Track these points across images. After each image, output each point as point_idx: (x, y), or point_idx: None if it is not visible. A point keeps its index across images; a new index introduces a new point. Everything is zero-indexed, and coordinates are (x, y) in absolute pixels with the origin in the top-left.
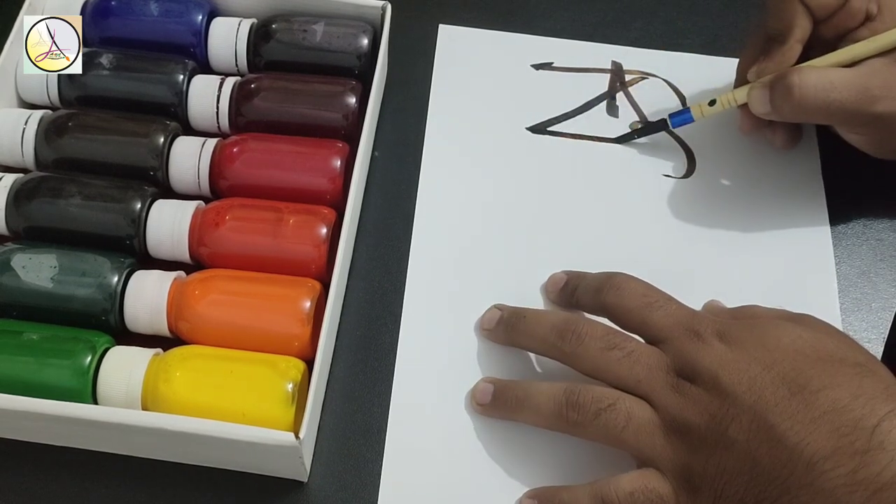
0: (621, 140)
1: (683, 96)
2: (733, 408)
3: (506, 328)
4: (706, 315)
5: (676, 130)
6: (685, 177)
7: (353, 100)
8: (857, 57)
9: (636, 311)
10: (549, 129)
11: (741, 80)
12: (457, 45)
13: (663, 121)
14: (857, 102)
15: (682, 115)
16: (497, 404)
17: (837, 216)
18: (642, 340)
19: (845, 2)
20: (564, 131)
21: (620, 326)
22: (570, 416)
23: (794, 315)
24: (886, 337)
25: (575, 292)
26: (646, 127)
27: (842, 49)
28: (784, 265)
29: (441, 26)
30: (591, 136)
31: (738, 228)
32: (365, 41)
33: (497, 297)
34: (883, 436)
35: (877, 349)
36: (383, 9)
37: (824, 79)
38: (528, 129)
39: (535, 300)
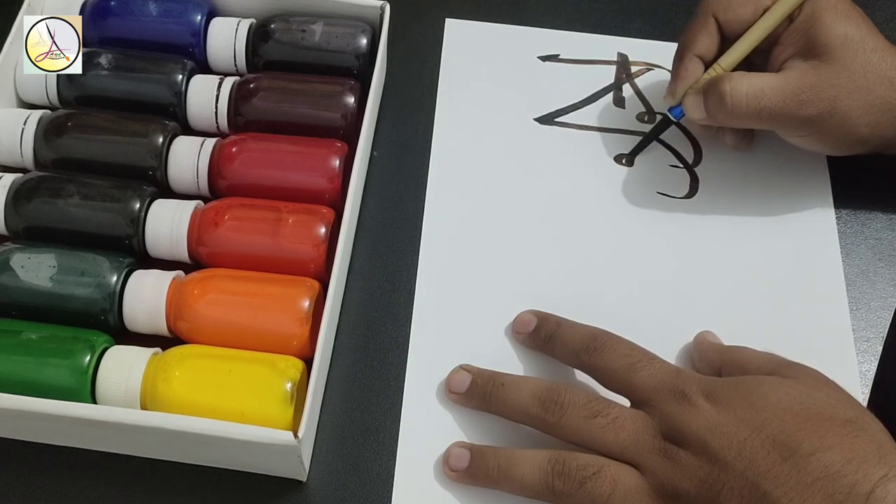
0: (635, 152)
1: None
2: (724, 474)
3: (482, 396)
4: (691, 373)
5: (683, 123)
6: (693, 166)
7: (351, 99)
8: (759, 39)
9: (619, 371)
10: (556, 119)
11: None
12: (464, 38)
13: (666, 117)
14: (787, 107)
15: (680, 108)
16: (476, 473)
17: (836, 214)
18: (626, 402)
19: (762, 14)
20: (572, 122)
21: (604, 386)
22: (555, 486)
23: (782, 363)
24: (885, 336)
25: (550, 343)
26: (653, 129)
27: (741, 40)
28: (791, 261)
29: (448, 20)
30: (598, 127)
31: (745, 220)
32: (364, 41)
33: (509, 290)
34: (877, 503)
35: (876, 349)
36: (382, 9)
37: (754, 86)
38: (535, 119)
39: (544, 292)
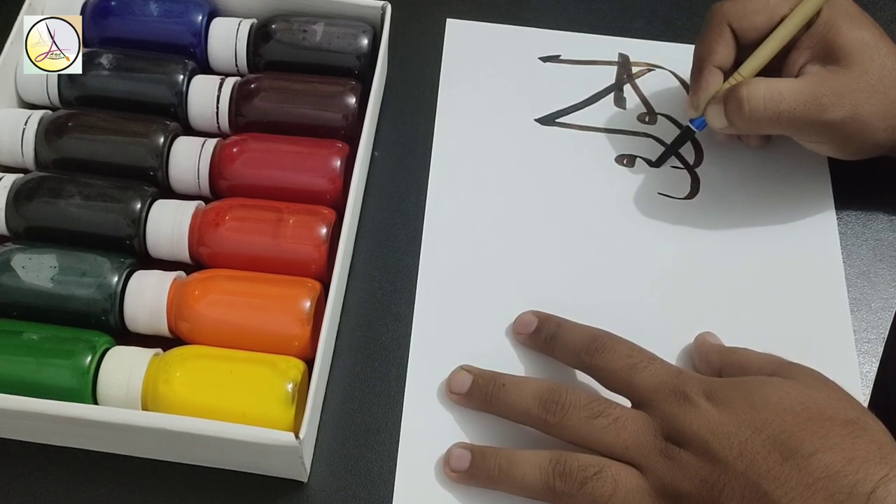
0: (659, 162)
1: (689, 87)
2: (725, 474)
3: (483, 397)
4: (692, 374)
5: (684, 123)
6: (693, 167)
7: (352, 100)
8: (780, 46)
9: (620, 372)
10: (557, 120)
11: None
12: (465, 38)
13: (688, 128)
14: (807, 111)
15: (702, 119)
16: (476, 473)
17: (837, 215)
18: (627, 403)
19: (778, 23)
20: (573, 122)
21: (604, 387)
22: (556, 486)
23: (782, 364)
24: (886, 337)
25: (551, 343)
26: (676, 140)
27: (762, 47)
28: (792, 262)
29: (449, 21)
30: (599, 128)
31: (746, 221)
32: (365, 41)
33: (510, 290)
34: (878, 503)
35: (877, 350)
36: (383, 9)
37: (772, 89)
38: (536, 120)
39: (545, 293)
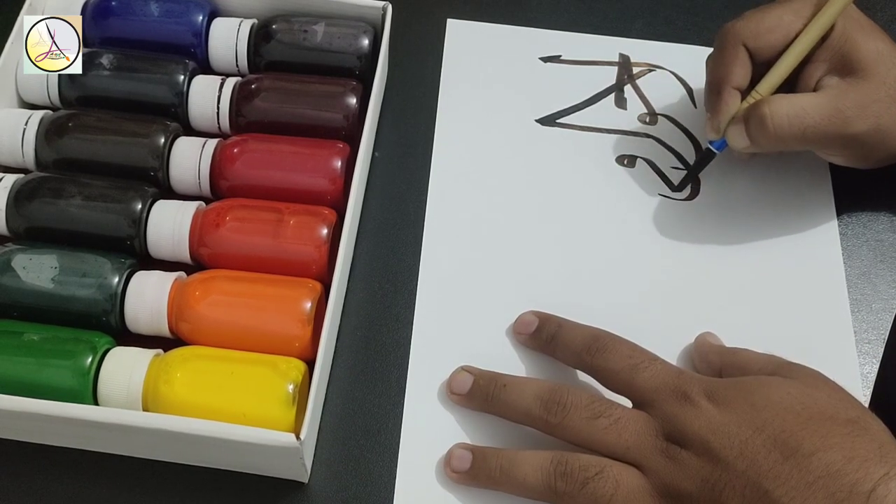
0: (682, 186)
1: (690, 88)
2: (726, 473)
3: (484, 397)
4: (693, 374)
5: (685, 124)
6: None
7: (353, 100)
8: (797, 62)
9: (622, 372)
10: (558, 120)
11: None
12: (465, 39)
13: (709, 150)
14: (832, 125)
15: (722, 140)
16: (477, 474)
17: (838, 216)
18: (628, 403)
19: (793, 39)
20: (573, 123)
21: (605, 387)
22: (558, 487)
23: (783, 364)
24: (886, 338)
25: (552, 344)
26: (696, 164)
27: (778, 65)
28: (792, 262)
29: (449, 21)
30: (600, 128)
31: (747, 222)
32: (365, 42)
33: (510, 291)
34: (878, 502)
35: (877, 350)
36: (384, 9)
37: (795, 105)
38: (537, 120)
39: (545, 293)
